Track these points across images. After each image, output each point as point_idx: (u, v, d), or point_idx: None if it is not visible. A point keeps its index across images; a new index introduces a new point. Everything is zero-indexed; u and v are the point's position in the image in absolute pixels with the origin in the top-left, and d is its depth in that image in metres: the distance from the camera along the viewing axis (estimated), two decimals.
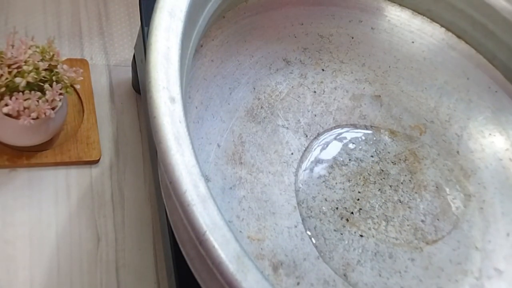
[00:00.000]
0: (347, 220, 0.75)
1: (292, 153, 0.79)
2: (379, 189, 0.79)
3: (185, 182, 0.51)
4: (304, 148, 0.80)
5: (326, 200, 0.76)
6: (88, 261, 0.81)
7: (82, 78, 0.80)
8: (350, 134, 0.83)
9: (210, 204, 0.51)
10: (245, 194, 0.74)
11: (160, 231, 0.84)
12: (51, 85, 0.76)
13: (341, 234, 0.74)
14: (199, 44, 0.73)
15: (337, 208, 0.76)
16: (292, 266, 0.69)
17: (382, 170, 0.81)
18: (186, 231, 0.52)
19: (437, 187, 0.82)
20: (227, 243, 0.49)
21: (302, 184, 0.77)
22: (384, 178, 0.80)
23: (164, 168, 0.52)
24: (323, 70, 0.88)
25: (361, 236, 0.75)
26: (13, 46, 0.76)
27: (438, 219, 0.79)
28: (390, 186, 0.80)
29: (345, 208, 0.76)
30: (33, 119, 0.75)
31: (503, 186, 0.85)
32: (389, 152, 0.83)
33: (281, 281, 0.68)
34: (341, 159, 0.81)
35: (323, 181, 0.78)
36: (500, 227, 0.82)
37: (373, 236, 0.75)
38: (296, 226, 0.73)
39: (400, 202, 0.79)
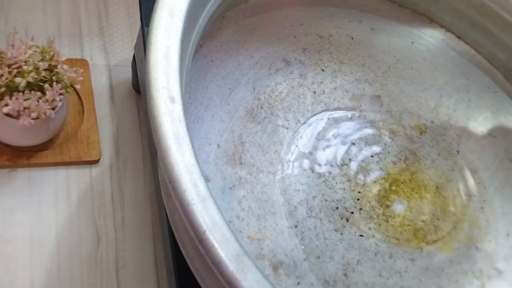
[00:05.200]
0: (347, 220, 0.75)
1: (292, 153, 0.79)
2: (379, 189, 0.79)
3: (185, 181, 0.51)
4: (304, 148, 0.80)
5: (326, 200, 0.76)
6: (88, 261, 0.81)
7: (82, 78, 0.80)
8: (350, 134, 0.83)
9: (209, 204, 0.51)
10: (245, 194, 0.74)
11: (160, 231, 0.84)
12: (51, 85, 0.76)
13: (341, 234, 0.74)
14: (198, 44, 0.73)
15: (337, 208, 0.76)
16: (292, 266, 0.69)
17: (383, 170, 0.81)
18: (186, 230, 0.52)
19: (437, 187, 0.82)
20: (226, 242, 0.49)
21: (302, 184, 0.77)
22: (384, 178, 0.80)
23: (164, 168, 0.52)
24: (323, 70, 0.88)
25: (361, 236, 0.75)
26: (13, 46, 0.76)
27: (438, 219, 0.79)
28: (390, 186, 0.80)
29: (345, 208, 0.76)
30: (33, 119, 0.75)
31: (503, 186, 0.85)
32: (389, 152, 0.83)
33: (281, 281, 0.68)
34: (341, 159, 0.81)
35: (323, 181, 0.78)
36: (500, 227, 0.82)
37: (373, 236, 0.75)
38: (296, 226, 0.73)
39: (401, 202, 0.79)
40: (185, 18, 0.60)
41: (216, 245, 0.49)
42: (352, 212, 0.76)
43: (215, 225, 0.50)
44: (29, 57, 0.76)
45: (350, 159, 0.81)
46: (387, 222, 0.77)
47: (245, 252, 0.50)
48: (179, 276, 0.69)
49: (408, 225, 0.77)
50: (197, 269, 0.58)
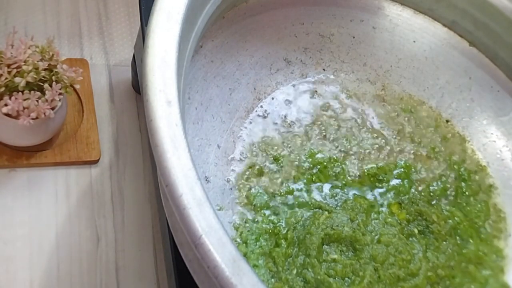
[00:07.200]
0: None
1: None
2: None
3: (181, 186, 0.50)
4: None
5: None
6: (88, 262, 0.81)
7: (81, 78, 0.79)
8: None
9: (206, 208, 0.50)
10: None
11: (160, 231, 0.84)
12: (50, 85, 0.76)
13: None
14: (198, 45, 0.73)
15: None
16: None
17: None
18: (183, 233, 0.52)
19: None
20: (223, 247, 0.49)
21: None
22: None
23: (160, 172, 0.52)
24: (324, 69, 0.87)
25: None
26: (12, 46, 0.76)
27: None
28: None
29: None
30: (32, 119, 0.75)
31: (505, 186, 0.85)
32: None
33: None
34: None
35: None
36: (502, 227, 0.82)
37: None
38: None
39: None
40: (183, 20, 0.60)
41: (212, 249, 0.49)
42: None
43: (211, 229, 0.49)
44: (28, 57, 0.76)
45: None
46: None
47: (241, 256, 0.49)
48: (178, 276, 0.69)
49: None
50: (195, 271, 0.58)
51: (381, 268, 0.71)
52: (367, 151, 0.82)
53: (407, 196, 0.79)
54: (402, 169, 0.81)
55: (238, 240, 0.70)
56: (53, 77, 0.77)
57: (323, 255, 0.71)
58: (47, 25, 0.99)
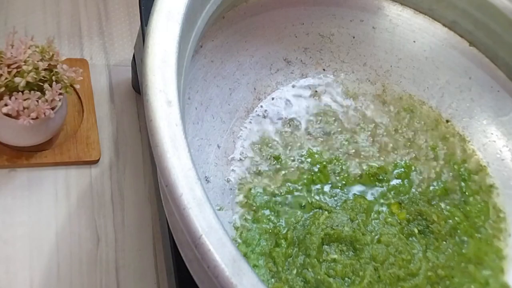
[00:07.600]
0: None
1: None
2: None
3: (181, 186, 0.50)
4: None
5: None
6: (88, 262, 0.81)
7: (81, 78, 0.79)
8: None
9: (206, 207, 0.50)
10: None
11: (160, 231, 0.84)
12: (50, 85, 0.76)
13: None
14: (198, 45, 0.73)
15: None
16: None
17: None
18: (183, 233, 0.52)
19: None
20: (223, 247, 0.49)
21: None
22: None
23: (160, 172, 0.52)
24: (324, 70, 0.87)
25: None
26: (12, 46, 0.76)
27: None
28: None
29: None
30: (32, 119, 0.75)
31: (505, 186, 0.85)
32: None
33: None
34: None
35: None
36: (502, 227, 0.82)
37: None
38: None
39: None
40: (183, 20, 0.60)
41: (212, 249, 0.49)
42: None
43: (211, 229, 0.49)
44: (28, 57, 0.76)
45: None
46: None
47: (241, 256, 0.49)
48: (178, 276, 0.69)
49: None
50: (195, 270, 0.58)
51: (381, 268, 0.72)
52: (367, 151, 0.82)
53: (407, 196, 0.79)
54: (402, 169, 0.81)
55: (238, 240, 0.70)
56: (53, 77, 0.77)
57: (323, 255, 0.71)
58: (47, 25, 0.99)
